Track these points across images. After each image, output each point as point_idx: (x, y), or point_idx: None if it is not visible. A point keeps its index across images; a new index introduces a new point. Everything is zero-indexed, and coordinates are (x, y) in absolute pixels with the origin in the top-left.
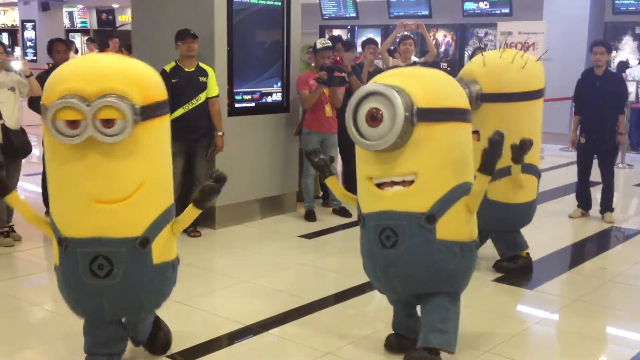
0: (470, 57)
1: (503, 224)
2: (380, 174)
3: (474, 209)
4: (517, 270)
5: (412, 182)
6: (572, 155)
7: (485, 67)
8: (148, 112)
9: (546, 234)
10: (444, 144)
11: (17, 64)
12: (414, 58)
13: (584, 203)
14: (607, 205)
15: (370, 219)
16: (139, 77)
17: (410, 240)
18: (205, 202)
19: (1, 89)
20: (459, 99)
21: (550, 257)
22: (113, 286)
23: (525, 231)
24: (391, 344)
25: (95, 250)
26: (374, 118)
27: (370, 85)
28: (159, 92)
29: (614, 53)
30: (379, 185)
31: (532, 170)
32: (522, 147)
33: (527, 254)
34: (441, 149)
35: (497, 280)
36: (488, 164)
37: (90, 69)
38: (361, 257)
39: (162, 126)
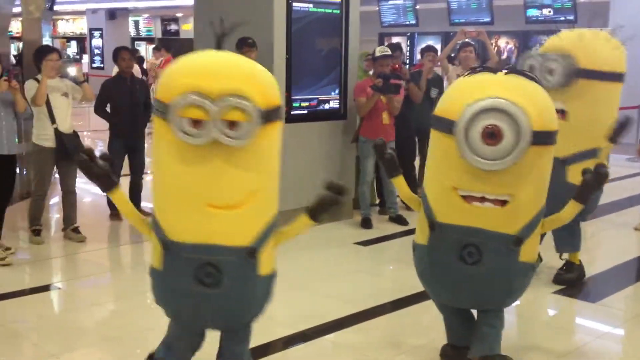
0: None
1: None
2: (470, 188)
3: (546, 231)
4: (576, 280)
5: (504, 202)
6: (639, 166)
7: (581, 41)
8: (268, 116)
9: (610, 246)
10: (544, 169)
11: (72, 70)
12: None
13: None
14: None
15: (452, 231)
16: (261, 79)
17: (495, 261)
18: (322, 213)
19: (55, 94)
20: (556, 119)
21: (614, 269)
22: (218, 296)
23: (588, 244)
24: (447, 354)
25: (204, 258)
26: (493, 136)
27: (490, 101)
28: (277, 95)
29: None
30: (465, 197)
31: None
32: (624, 126)
33: (580, 261)
34: (541, 174)
35: (557, 292)
36: (586, 195)
37: (214, 66)
38: (418, 262)
39: (277, 132)
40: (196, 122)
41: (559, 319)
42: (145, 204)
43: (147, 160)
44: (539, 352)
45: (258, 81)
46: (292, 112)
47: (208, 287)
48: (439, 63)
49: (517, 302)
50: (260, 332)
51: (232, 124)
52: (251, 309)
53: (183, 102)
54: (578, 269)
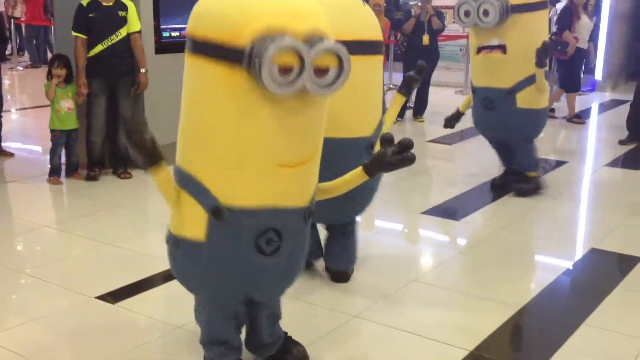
0: None
1: (529, 131)
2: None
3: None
4: (534, 190)
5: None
6: None
7: None
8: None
9: (474, 167)
10: None
11: None
12: None
13: None
14: None
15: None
16: (325, 18)
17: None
18: (379, 171)
19: None
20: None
21: (477, 189)
22: (276, 265)
23: (453, 165)
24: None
25: (266, 223)
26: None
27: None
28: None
29: None
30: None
31: (547, 77)
32: (547, 50)
33: (537, 174)
34: None
35: (426, 212)
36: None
37: (292, 2)
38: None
39: None
40: (285, 70)
41: (426, 237)
42: (7, 144)
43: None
44: (413, 265)
45: (327, 20)
46: (162, 42)
47: (268, 256)
48: None
49: (394, 223)
50: (137, 269)
51: (321, 72)
52: (295, 278)
53: (277, 46)
54: (536, 180)
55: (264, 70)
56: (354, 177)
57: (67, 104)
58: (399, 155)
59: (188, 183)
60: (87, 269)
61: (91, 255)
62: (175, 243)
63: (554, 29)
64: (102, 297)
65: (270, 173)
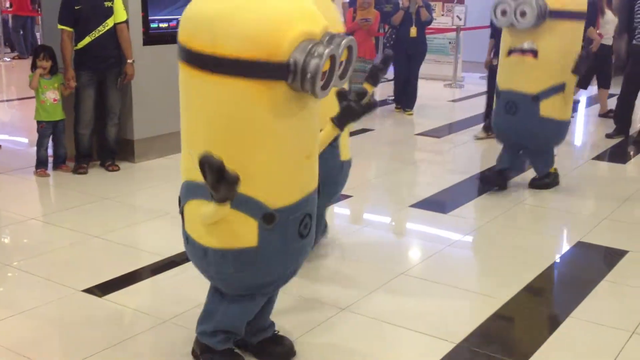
0: None
1: (549, 140)
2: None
3: None
4: (551, 185)
5: None
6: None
7: None
8: None
9: (461, 160)
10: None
11: None
12: None
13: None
14: None
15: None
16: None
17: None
18: (347, 122)
19: None
20: None
21: (465, 182)
22: (309, 244)
23: (443, 158)
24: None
25: (304, 211)
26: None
27: None
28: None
29: None
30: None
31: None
32: (588, 56)
33: (555, 169)
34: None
35: (414, 206)
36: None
37: (303, 5)
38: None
39: None
40: (323, 75)
41: (414, 230)
42: None
43: None
44: (401, 258)
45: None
46: (150, 33)
47: (304, 238)
48: None
49: (382, 216)
50: (125, 261)
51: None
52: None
53: (325, 58)
54: (554, 175)
55: (317, 83)
56: (326, 133)
57: (52, 95)
58: (362, 102)
59: (235, 200)
60: (75, 262)
61: (78, 248)
62: (223, 256)
63: None
64: (89, 290)
65: (301, 167)
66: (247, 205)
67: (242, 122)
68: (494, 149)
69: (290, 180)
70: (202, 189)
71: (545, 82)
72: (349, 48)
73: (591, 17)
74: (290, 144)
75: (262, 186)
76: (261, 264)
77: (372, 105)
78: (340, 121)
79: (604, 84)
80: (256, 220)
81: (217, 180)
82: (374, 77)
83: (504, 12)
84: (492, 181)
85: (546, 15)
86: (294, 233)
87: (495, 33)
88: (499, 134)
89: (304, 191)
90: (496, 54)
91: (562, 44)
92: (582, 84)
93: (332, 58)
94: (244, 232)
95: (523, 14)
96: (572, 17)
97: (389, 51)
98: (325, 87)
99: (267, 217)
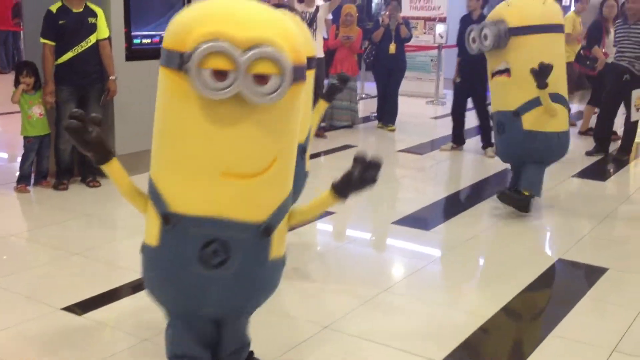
0: None
1: (540, 154)
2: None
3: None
4: (518, 202)
5: None
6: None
7: (509, 6)
8: (297, 74)
9: (442, 178)
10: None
11: None
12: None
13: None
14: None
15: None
16: (291, 31)
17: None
18: (351, 191)
19: None
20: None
21: (445, 200)
22: (224, 278)
23: (425, 175)
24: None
25: (212, 233)
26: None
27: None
28: (304, 52)
29: None
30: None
31: (562, 101)
32: (542, 71)
33: (533, 195)
34: None
35: (396, 222)
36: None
37: (240, 12)
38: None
39: (300, 93)
40: (219, 74)
41: (396, 247)
42: None
43: None
44: (383, 275)
45: (289, 33)
46: (132, 49)
47: (213, 268)
48: None
49: (364, 233)
50: (105, 279)
51: (260, 79)
52: (257, 295)
53: (207, 50)
54: (526, 198)
55: (192, 72)
56: (324, 199)
57: (38, 110)
58: (366, 173)
59: (149, 189)
60: (54, 279)
61: (59, 265)
62: (142, 249)
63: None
64: (68, 308)
65: (213, 182)
66: (156, 199)
67: (159, 111)
68: (476, 165)
69: (195, 189)
70: (151, 186)
71: (521, 98)
72: (280, 65)
73: (596, 36)
74: (195, 149)
75: (167, 182)
76: (160, 271)
77: (372, 179)
78: (340, 191)
79: (594, 102)
80: (159, 218)
81: (79, 142)
82: (330, 95)
83: (474, 40)
84: (513, 201)
85: (506, 33)
86: (194, 253)
87: (460, 53)
88: (499, 156)
89: (216, 211)
90: (459, 72)
91: (530, 58)
92: (593, 101)
93: (236, 62)
94: (150, 227)
95: (485, 37)
96: (536, 31)
97: (343, 73)
98: (227, 91)
99: (165, 217)
